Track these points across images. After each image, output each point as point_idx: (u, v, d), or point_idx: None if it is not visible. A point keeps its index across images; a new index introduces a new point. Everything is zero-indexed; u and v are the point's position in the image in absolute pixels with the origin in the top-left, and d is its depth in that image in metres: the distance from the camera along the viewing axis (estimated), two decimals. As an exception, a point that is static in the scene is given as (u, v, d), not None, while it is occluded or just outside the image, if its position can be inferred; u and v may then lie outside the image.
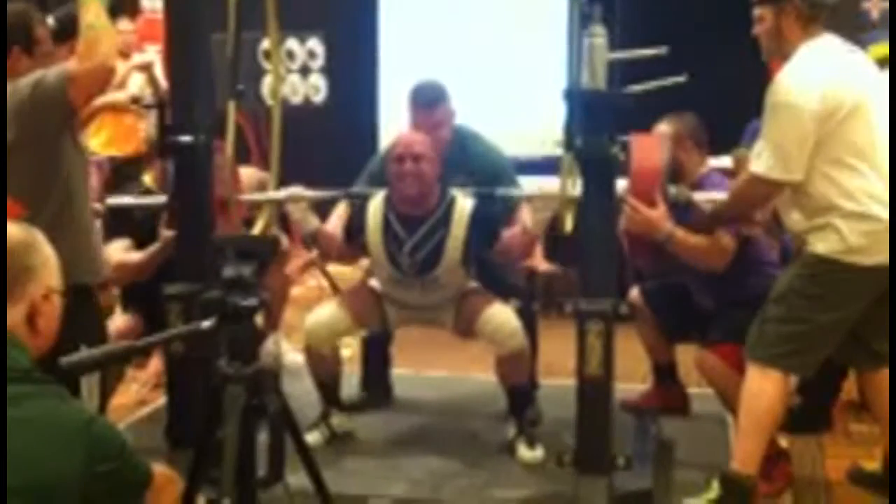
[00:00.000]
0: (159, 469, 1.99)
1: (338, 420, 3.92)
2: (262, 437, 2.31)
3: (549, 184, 3.75)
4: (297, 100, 6.17)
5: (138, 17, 6.37)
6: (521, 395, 3.84)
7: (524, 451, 3.73)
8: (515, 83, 6.06)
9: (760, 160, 3.12)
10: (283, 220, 4.54)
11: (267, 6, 3.72)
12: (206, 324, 2.25)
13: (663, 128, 3.77)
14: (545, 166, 4.67)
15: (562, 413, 3.63)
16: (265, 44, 5.46)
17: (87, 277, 2.99)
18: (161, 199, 3.83)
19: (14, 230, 1.88)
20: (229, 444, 2.21)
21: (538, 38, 6.06)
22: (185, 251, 3.44)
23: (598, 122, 3.17)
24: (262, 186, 4.01)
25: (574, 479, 3.21)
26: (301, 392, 3.94)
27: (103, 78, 2.86)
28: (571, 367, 3.28)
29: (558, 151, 3.49)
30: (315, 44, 6.29)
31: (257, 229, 3.77)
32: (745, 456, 3.21)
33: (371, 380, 4.40)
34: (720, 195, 3.51)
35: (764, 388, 3.18)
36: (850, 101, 3.06)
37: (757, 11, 3.24)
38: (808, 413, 3.92)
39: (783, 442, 3.57)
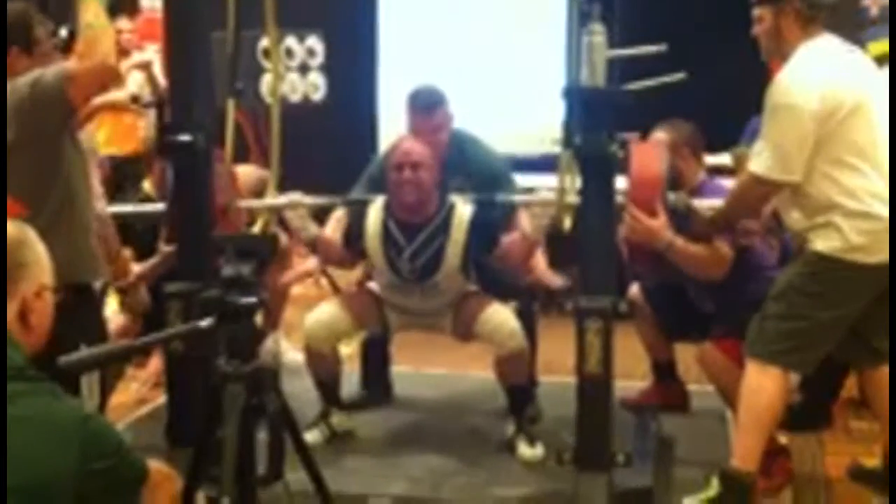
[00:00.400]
0: (156, 465, 1.99)
1: (337, 419, 3.92)
2: (262, 436, 2.31)
3: (547, 182, 3.74)
4: (296, 98, 6.16)
5: (137, 15, 6.37)
6: (520, 394, 3.84)
7: (524, 449, 3.73)
8: (514, 81, 6.05)
9: (760, 160, 3.12)
10: (283, 220, 4.55)
11: (266, 4, 3.71)
12: (206, 323, 2.25)
13: (660, 136, 3.77)
14: (543, 164, 4.68)
15: (561, 411, 3.63)
16: (264, 42, 5.46)
17: (86, 276, 3.00)
18: (159, 207, 3.84)
19: (6, 227, 1.88)
20: (229, 442, 2.21)
21: (537, 36, 6.06)
22: (185, 250, 3.45)
23: (597, 119, 3.17)
24: (261, 184, 4.02)
25: (574, 476, 3.21)
26: (300, 391, 3.94)
27: (102, 77, 2.87)
28: (571, 364, 3.28)
29: (557, 149, 3.50)
30: (314, 42, 6.28)
31: (256, 228, 3.78)
32: (744, 453, 3.21)
33: (371, 378, 4.40)
34: (719, 202, 3.50)
35: (763, 384, 3.18)
36: (850, 101, 3.06)
37: (756, 11, 3.24)
38: (809, 410, 3.93)
39: (783, 439, 3.57)
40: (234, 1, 3.60)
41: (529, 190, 3.98)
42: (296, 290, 5.41)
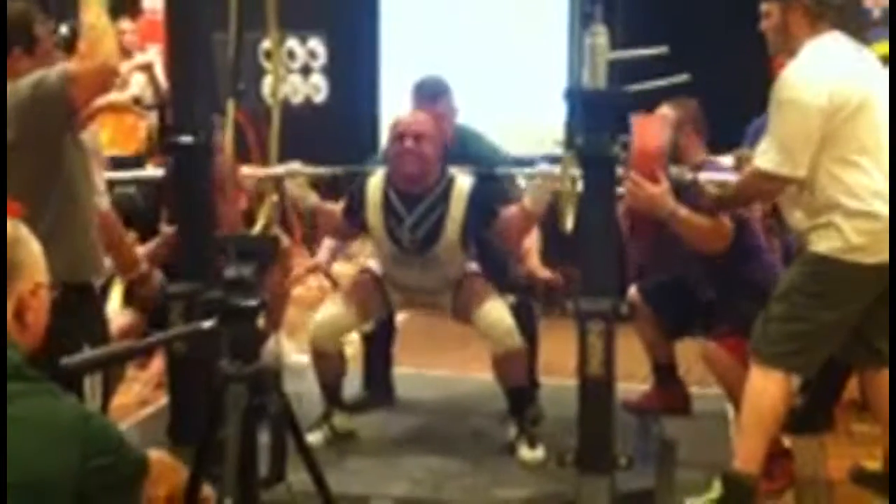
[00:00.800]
0: (158, 456, 1.99)
1: (339, 420, 3.92)
2: (264, 437, 2.31)
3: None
4: (298, 100, 6.17)
5: (139, 17, 6.38)
6: (520, 394, 3.84)
7: (525, 451, 3.73)
8: (515, 83, 6.06)
9: (766, 156, 3.12)
10: (284, 221, 4.55)
11: (268, 6, 3.71)
12: (208, 324, 2.25)
13: (665, 111, 3.78)
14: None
15: (563, 413, 3.63)
16: (266, 44, 5.47)
17: (87, 276, 3.00)
18: (158, 172, 3.81)
19: (6, 228, 1.88)
20: (231, 444, 2.20)
21: (538, 39, 6.07)
22: (187, 250, 3.44)
23: (598, 121, 3.17)
24: (262, 186, 4.02)
25: (576, 479, 3.21)
26: (303, 392, 3.94)
27: (105, 78, 2.86)
28: (573, 366, 3.28)
29: (558, 150, 3.50)
30: (316, 44, 6.30)
31: (258, 228, 3.77)
32: (747, 455, 3.21)
33: (372, 379, 4.40)
34: (721, 176, 3.51)
35: (766, 387, 3.18)
36: (856, 99, 3.06)
37: (764, 6, 3.24)
38: (810, 413, 3.92)
39: (786, 441, 3.57)
40: (237, 2, 3.60)
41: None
42: (297, 290, 5.41)
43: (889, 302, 3.12)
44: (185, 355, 3.29)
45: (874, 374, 3.30)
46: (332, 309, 3.86)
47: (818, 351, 3.20)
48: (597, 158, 3.20)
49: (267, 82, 5.64)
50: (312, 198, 3.82)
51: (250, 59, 5.53)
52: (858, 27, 3.30)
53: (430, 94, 4.02)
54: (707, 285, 3.81)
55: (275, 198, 3.87)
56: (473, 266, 3.90)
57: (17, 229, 1.86)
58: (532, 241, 4.15)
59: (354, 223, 3.84)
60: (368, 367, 4.43)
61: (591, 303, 3.18)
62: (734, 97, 4.50)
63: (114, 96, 4.70)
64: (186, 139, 3.31)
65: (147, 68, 5.38)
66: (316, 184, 3.88)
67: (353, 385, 4.25)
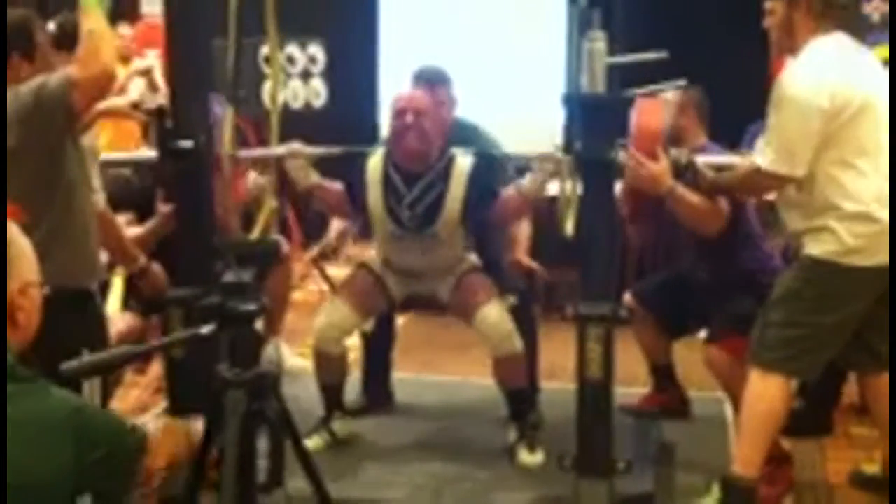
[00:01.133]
0: (163, 426, 1.99)
1: (338, 425, 3.92)
2: (263, 443, 2.31)
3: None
4: (297, 105, 6.17)
5: (138, 22, 6.38)
6: (519, 398, 3.84)
7: (525, 456, 3.74)
8: (514, 87, 6.07)
9: (765, 154, 3.12)
10: (283, 225, 4.55)
11: (267, 12, 3.72)
12: (206, 329, 2.25)
13: (668, 94, 3.80)
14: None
15: (563, 417, 3.63)
16: (265, 49, 5.47)
17: (87, 282, 3.00)
18: (152, 154, 3.81)
19: (6, 229, 1.88)
20: (230, 449, 2.21)
21: (538, 43, 6.07)
22: (186, 255, 3.45)
23: (597, 126, 3.18)
24: (261, 191, 4.02)
25: (575, 483, 3.21)
26: (301, 397, 3.94)
27: (105, 84, 2.87)
28: (572, 370, 3.28)
29: (557, 154, 3.50)
30: (316, 49, 6.30)
31: (256, 232, 3.77)
32: (746, 459, 3.21)
33: (372, 384, 4.40)
34: (720, 158, 3.54)
35: (766, 391, 3.18)
36: (857, 100, 3.05)
37: (769, 3, 3.23)
38: (809, 416, 3.92)
39: (787, 445, 3.57)
40: (236, 7, 3.60)
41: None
42: (297, 294, 5.41)
43: (889, 305, 3.12)
44: (184, 360, 3.30)
45: (874, 378, 3.30)
46: (333, 310, 3.86)
47: (818, 355, 3.19)
48: (595, 163, 3.21)
49: (267, 88, 5.65)
50: (314, 176, 3.83)
51: (250, 64, 5.53)
52: (858, 31, 3.29)
53: (428, 79, 4.02)
54: (700, 269, 3.82)
55: (273, 203, 3.87)
56: (474, 259, 3.88)
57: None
58: (523, 233, 4.17)
59: (355, 203, 3.84)
60: (367, 371, 4.43)
61: (591, 307, 3.18)
62: (733, 100, 4.49)
63: (113, 101, 4.70)
64: (186, 144, 3.31)
65: (146, 73, 5.38)
66: (316, 165, 3.89)
67: (351, 390, 4.25)
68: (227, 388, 2.26)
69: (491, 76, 6.04)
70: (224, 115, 3.61)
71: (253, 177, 4.39)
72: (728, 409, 4.06)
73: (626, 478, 3.23)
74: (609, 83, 3.18)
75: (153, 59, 5.78)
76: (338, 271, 5.80)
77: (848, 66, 3.11)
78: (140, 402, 4.34)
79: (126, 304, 4.17)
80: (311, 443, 3.66)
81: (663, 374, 4.16)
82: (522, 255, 4.20)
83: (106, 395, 3.00)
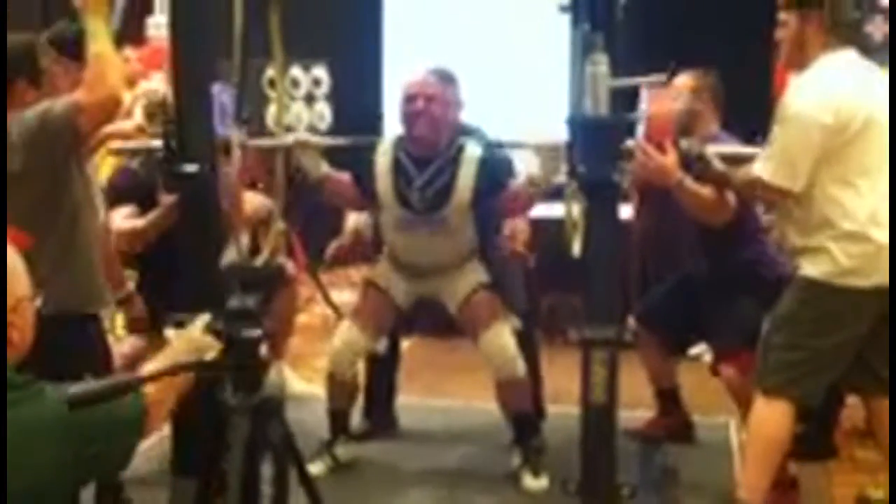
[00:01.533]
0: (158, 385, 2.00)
1: (342, 450, 3.91)
2: (266, 468, 2.30)
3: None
4: (301, 127, 6.18)
5: (143, 45, 6.41)
6: (522, 422, 3.83)
7: (529, 480, 3.72)
8: (520, 108, 6.07)
9: (765, 165, 3.13)
10: (289, 248, 4.53)
11: (272, 34, 3.73)
12: (210, 354, 2.24)
13: (684, 79, 3.82)
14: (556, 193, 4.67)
15: (567, 441, 3.62)
16: (270, 72, 5.48)
17: (90, 307, 3.01)
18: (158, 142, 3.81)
19: (6, 232, 1.88)
20: (233, 474, 2.20)
21: (543, 64, 6.07)
22: (190, 280, 3.44)
23: (600, 149, 3.18)
24: (268, 213, 4.02)
25: (579, 507, 3.20)
26: (305, 421, 3.93)
27: (111, 108, 2.88)
28: (576, 393, 3.27)
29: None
30: (320, 72, 6.32)
31: (262, 258, 3.77)
32: (751, 484, 3.20)
33: (376, 408, 4.39)
34: (732, 149, 3.54)
35: (770, 415, 3.17)
36: (861, 118, 3.05)
37: (783, 15, 3.24)
38: (813, 440, 3.90)
39: (792, 468, 3.55)
40: (241, 29, 3.61)
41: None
42: (301, 318, 5.41)
43: (889, 328, 3.11)
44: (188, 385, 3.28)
45: (878, 401, 3.29)
46: (347, 333, 3.87)
47: (820, 378, 3.18)
48: (599, 186, 3.21)
49: (271, 111, 5.66)
50: (323, 167, 3.85)
51: (254, 86, 5.55)
52: (863, 51, 3.30)
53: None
54: (702, 263, 3.84)
55: (281, 225, 3.87)
56: (484, 275, 3.87)
57: None
58: (520, 226, 4.17)
59: (364, 193, 3.85)
60: (372, 396, 4.42)
61: (595, 330, 3.17)
62: (736, 112, 4.49)
63: (118, 125, 4.71)
64: (191, 168, 3.31)
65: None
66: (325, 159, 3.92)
67: (355, 414, 4.24)
68: (232, 414, 2.25)
69: (496, 98, 6.05)
70: (231, 100, 3.59)
71: (260, 199, 4.39)
72: (733, 434, 4.05)
73: (631, 502, 3.22)
74: (612, 106, 3.19)
75: (158, 82, 5.81)
76: (340, 294, 5.79)
77: (855, 83, 3.11)
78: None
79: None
80: (315, 468, 3.65)
81: (668, 398, 4.15)
82: (520, 246, 4.21)
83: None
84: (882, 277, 3.05)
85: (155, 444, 4.09)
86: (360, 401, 4.34)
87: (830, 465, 3.88)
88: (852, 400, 3.81)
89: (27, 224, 2.72)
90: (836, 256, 3.05)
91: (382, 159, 3.78)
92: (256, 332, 2.26)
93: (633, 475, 3.43)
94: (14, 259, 1.84)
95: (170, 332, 2.32)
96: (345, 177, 3.89)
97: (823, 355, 3.13)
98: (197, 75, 3.41)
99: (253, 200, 4.22)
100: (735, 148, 3.60)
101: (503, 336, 3.73)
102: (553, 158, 3.60)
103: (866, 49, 4.40)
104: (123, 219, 3.95)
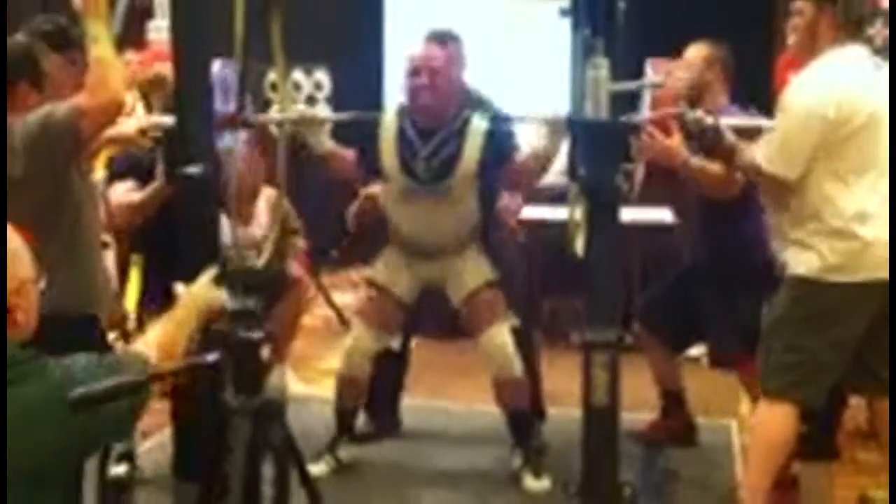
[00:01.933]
0: (157, 336, 2.01)
1: (345, 451, 3.92)
2: (268, 470, 2.31)
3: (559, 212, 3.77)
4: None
5: (144, 49, 6.41)
6: (520, 421, 3.84)
7: (530, 481, 3.73)
8: (519, 110, 6.08)
9: (763, 152, 3.15)
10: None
11: (273, 37, 3.74)
12: (212, 357, 2.25)
13: (695, 50, 3.86)
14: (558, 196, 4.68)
15: (569, 442, 3.62)
16: (272, 75, 5.50)
17: (92, 309, 3.01)
18: (161, 119, 3.82)
19: (6, 231, 1.89)
20: (235, 476, 2.21)
21: (543, 65, 6.09)
22: (189, 281, 3.44)
23: (601, 152, 3.19)
24: (287, 216, 4.09)
25: (580, 509, 3.20)
26: (306, 423, 3.94)
27: (113, 112, 2.88)
28: (577, 395, 3.27)
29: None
30: (321, 75, 6.33)
31: (263, 260, 3.77)
32: (753, 486, 3.20)
33: (378, 410, 4.39)
34: (742, 121, 3.57)
35: (772, 418, 3.18)
36: (864, 114, 3.05)
37: (798, 4, 3.25)
38: (815, 440, 3.90)
39: (795, 467, 3.55)
40: (242, 32, 3.62)
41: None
42: (303, 320, 5.41)
43: (889, 329, 3.11)
44: (189, 387, 3.29)
45: (879, 402, 3.30)
46: (358, 335, 3.89)
47: (820, 379, 3.18)
48: (600, 189, 3.21)
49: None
50: (328, 143, 3.88)
51: (256, 90, 5.56)
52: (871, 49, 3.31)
53: (438, 36, 4.05)
54: (700, 240, 3.88)
55: (301, 244, 3.92)
56: (490, 271, 3.86)
57: None
58: (516, 202, 4.24)
59: (369, 167, 3.87)
60: (376, 397, 4.42)
61: (596, 333, 3.18)
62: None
63: (120, 128, 4.72)
64: (193, 170, 3.32)
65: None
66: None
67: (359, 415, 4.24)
68: (233, 416, 2.26)
69: (495, 98, 6.06)
70: (234, 80, 3.60)
71: (272, 191, 4.37)
72: (735, 436, 4.05)
73: (632, 504, 3.22)
74: (613, 109, 3.19)
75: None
76: (342, 296, 5.81)
77: (861, 79, 3.11)
78: (144, 428, 4.32)
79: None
80: (317, 469, 3.66)
81: (673, 400, 4.15)
82: (512, 221, 4.25)
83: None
84: (870, 273, 3.05)
85: (157, 448, 4.11)
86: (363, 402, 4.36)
87: (832, 467, 3.88)
88: (855, 401, 3.81)
89: (30, 228, 2.73)
90: (822, 252, 3.07)
91: (387, 131, 3.79)
92: (257, 334, 2.26)
93: (635, 477, 3.43)
94: (17, 242, 1.86)
95: (179, 287, 2.32)
96: (349, 153, 3.91)
97: (821, 354, 3.13)
98: (197, 78, 3.41)
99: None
100: (745, 120, 3.61)
101: (503, 335, 3.75)
102: (556, 132, 3.61)
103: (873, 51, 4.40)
104: (123, 193, 3.97)
